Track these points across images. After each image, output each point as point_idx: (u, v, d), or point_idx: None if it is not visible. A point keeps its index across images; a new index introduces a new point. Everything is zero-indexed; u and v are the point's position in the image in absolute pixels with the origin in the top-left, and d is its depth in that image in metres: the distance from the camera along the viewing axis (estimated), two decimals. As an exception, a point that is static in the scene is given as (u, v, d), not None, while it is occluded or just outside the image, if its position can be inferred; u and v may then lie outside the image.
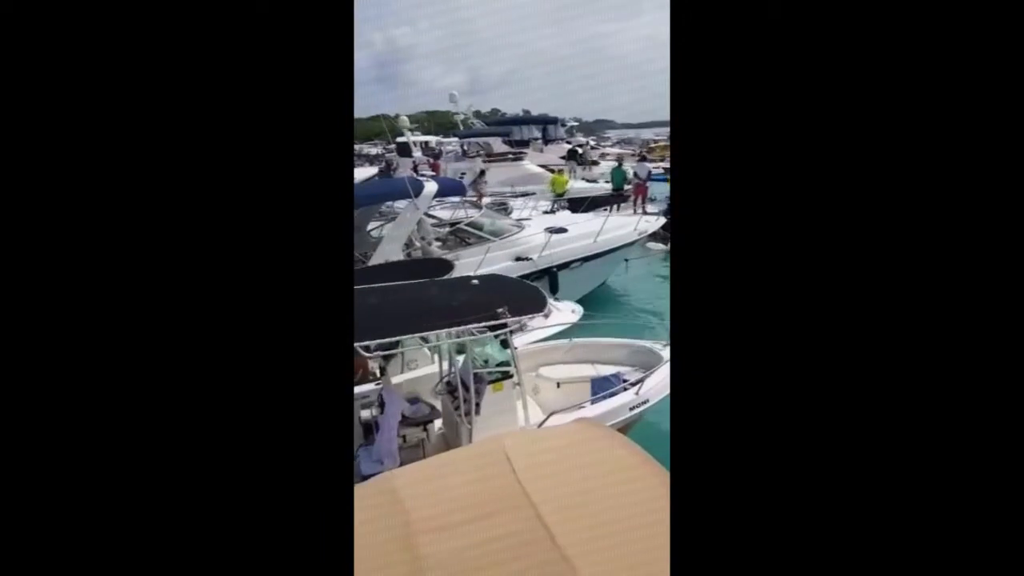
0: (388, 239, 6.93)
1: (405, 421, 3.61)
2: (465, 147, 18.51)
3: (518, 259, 7.37)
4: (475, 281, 4.08)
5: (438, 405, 3.98)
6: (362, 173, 13.89)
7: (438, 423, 3.87)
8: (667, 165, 22.74)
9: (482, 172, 14.15)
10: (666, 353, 4.49)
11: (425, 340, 4.29)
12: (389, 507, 1.70)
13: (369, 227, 8.07)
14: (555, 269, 7.51)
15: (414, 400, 3.90)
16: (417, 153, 17.60)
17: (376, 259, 6.57)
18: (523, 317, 3.55)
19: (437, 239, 7.66)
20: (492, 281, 4.21)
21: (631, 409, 3.95)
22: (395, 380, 4.16)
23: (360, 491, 1.97)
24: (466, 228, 7.82)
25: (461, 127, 21.30)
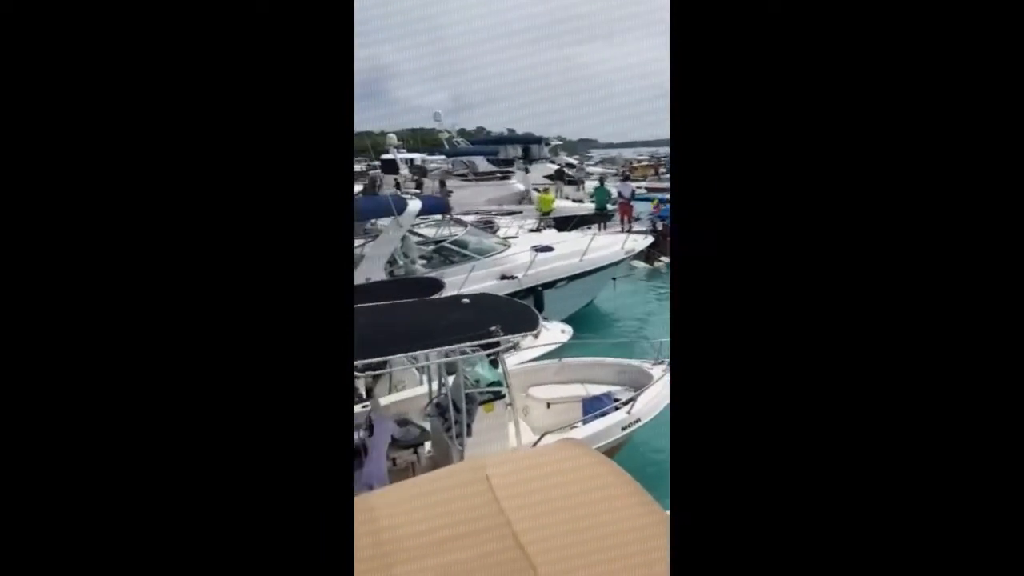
0: (370, 257, 6.85)
1: (395, 444, 3.52)
2: (450, 166, 18.58)
3: (503, 278, 7.34)
4: (466, 300, 4.04)
5: (428, 427, 3.90)
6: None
7: (428, 445, 3.79)
8: (649, 185, 23.12)
9: (442, 183, 14.19)
10: (656, 372, 4.48)
11: (414, 360, 4.22)
12: (366, 529, 1.67)
13: (353, 245, 7.98)
14: (540, 288, 7.49)
15: (404, 422, 3.81)
16: (405, 170, 17.61)
17: (358, 277, 6.48)
18: (516, 336, 3.51)
19: (422, 257, 7.60)
20: (483, 300, 4.17)
21: (623, 429, 3.92)
22: (383, 402, 4.08)
23: None
24: (451, 246, 7.78)
25: (446, 145, 21.41)
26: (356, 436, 3.68)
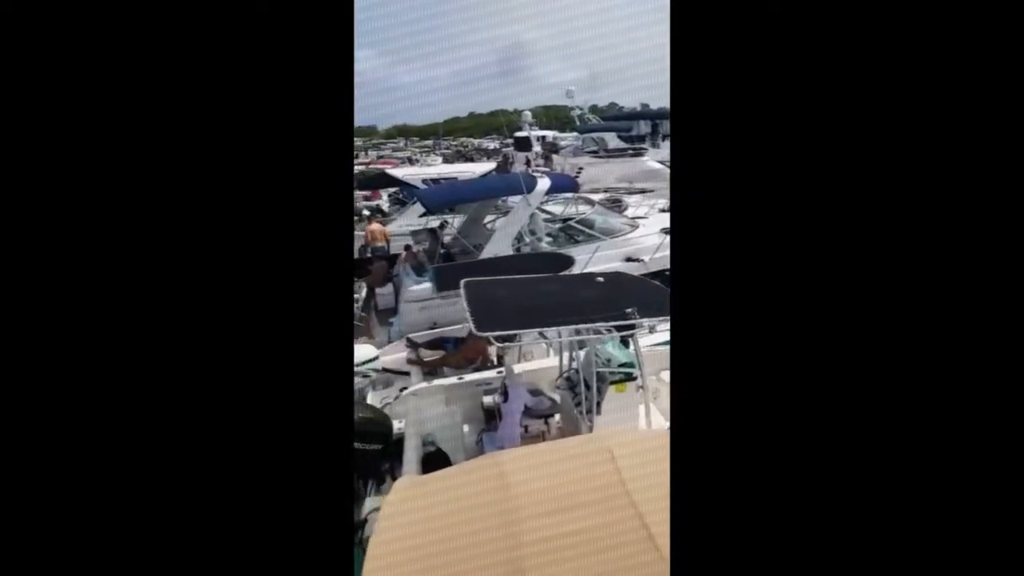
0: (499, 233, 7.09)
1: (527, 412, 3.68)
2: (581, 143, 18.44)
3: (628, 259, 7.17)
4: (600, 279, 4.04)
5: (558, 399, 4.01)
6: (480, 167, 14.36)
7: (558, 417, 3.91)
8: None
9: (547, 157, 14.10)
10: None
11: (544, 335, 4.34)
12: (496, 484, 1.78)
13: (485, 220, 8.31)
14: (667, 273, 7.21)
15: (536, 392, 3.96)
16: (537, 147, 17.77)
17: (487, 252, 6.75)
18: (652, 320, 3.46)
19: (547, 235, 7.69)
20: (617, 279, 4.14)
21: None
22: (516, 370, 4.26)
23: (467, 466, 2.08)
24: (577, 225, 7.76)
25: (577, 122, 21.21)
26: (491, 400, 3.92)
